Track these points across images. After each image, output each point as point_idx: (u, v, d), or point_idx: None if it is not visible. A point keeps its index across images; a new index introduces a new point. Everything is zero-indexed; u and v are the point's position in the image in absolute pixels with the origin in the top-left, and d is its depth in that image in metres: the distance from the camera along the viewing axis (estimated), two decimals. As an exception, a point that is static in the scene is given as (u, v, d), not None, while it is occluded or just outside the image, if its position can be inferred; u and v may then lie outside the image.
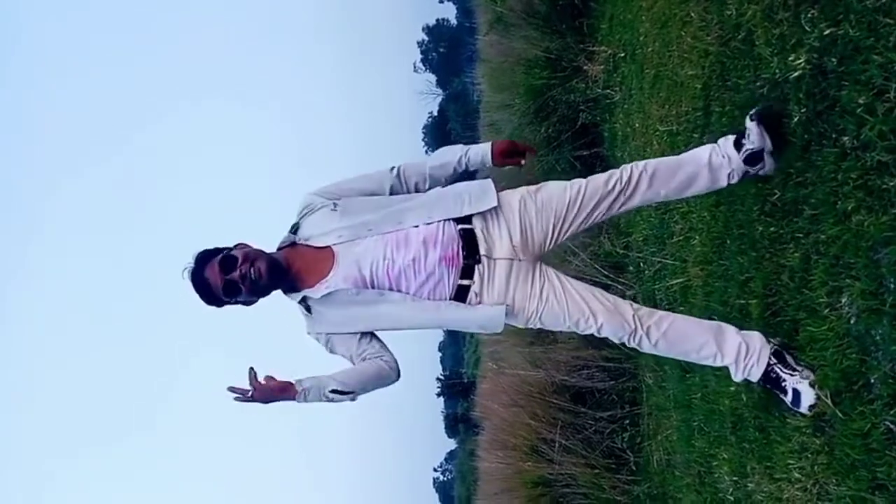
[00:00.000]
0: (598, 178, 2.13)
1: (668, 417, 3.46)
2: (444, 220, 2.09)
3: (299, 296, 2.17)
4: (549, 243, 2.16)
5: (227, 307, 2.19)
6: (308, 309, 2.20)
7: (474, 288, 2.09)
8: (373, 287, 2.11)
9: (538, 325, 2.17)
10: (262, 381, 2.06)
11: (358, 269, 2.10)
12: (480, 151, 2.23)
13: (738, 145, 2.08)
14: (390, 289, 2.10)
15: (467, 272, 2.08)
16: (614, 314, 2.08)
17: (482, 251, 2.09)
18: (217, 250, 2.15)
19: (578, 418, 4.34)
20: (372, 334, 2.26)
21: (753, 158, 2.06)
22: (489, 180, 2.18)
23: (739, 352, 2.03)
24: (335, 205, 2.17)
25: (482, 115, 8.67)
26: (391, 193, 2.23)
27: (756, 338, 2.05)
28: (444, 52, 53.89)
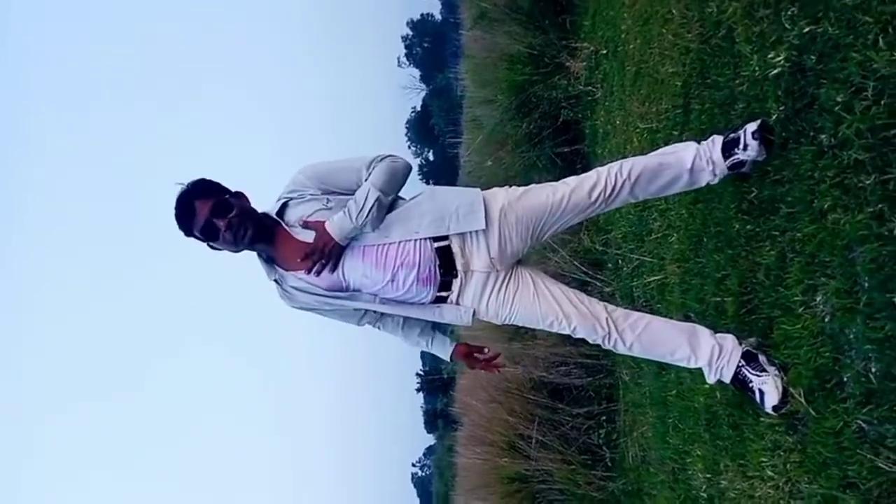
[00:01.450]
0: (582, 188, 2.10)
1: (644, 414, 3.47)
2: (424, 239, 2.07)
3: (274, 272, 2.16)
4: (527, 248, 2.17)
5: (192, 239, 2.13)
6: (277, 281, 2.19)
7: (451, 297, 2.13)
8: (347, 290, 2.14)
9: (514, 324, 2.18)
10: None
11: (338, 276, 2.10)
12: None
13: (726, 150, 2.05)
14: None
15: (445, 286, 2.11)
16: (587, 317, 2.09)
17: (459, 267, 2.09)
18: (219, 188, 2.11)
19: (556, 414, 4.34)
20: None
21: (739, 164, 2.05)
22: (479, 197, 2.12)
23: (712, 354, 2.04)
24: (328, 201, 2.12)
25: (465, 110, 8.65)
26: None
27: (729, 340, 2.06)
28: (428, 47, 53.78)
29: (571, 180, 2.14)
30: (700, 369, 2.10)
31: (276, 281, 2.18)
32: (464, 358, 2.37)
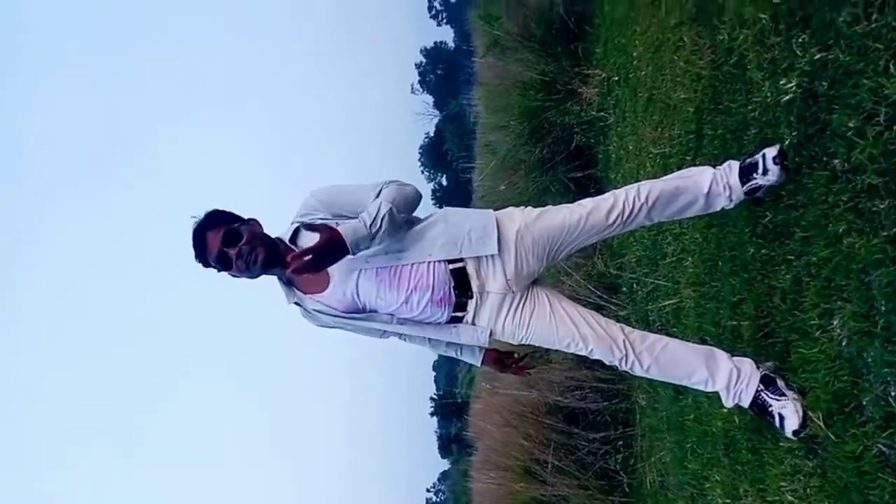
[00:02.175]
0: (599, 211, 2.11)
1: (662, 439, 3.45)
2: (438, 261, 2.08)
3: (293, 296, 2.18)
4: (542, 268, 2.18)
5: (211, 269, 2.14)
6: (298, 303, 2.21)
7: (467, 318, 2.14)
8: (364, 311, 2.15)
9: (531, 344, 2.18)
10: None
11: (353, 297, 2.12)
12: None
13: (744, 175, 2.07)
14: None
15: (460, 307, 2.12)
16: (605, 339, 2.09)
17: (474, 288, 2.10)
18: (230, 217, 2.12)
19: (571, 439, 4.31)
20: None
21: (756, 189, 2.06)
22: (493, 220, 2.12)
23: (731, 378, 2.03)
24: (337, 224, 2.09)
25: (478, 135, 8.72)
26: None
27: (747, 363, 2.06)
28: (442, 74, 54.32)
29: (588, 202, 2.14)
30: (717, 393, 2.10)
31: (296, 303, 2.21)
32: (494, 364, 2.36)
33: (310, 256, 1.87)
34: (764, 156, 2.03)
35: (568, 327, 2.11)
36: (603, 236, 2.18)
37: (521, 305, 2.14)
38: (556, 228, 2.11)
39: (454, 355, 2.35)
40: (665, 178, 2.18)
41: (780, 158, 1.99)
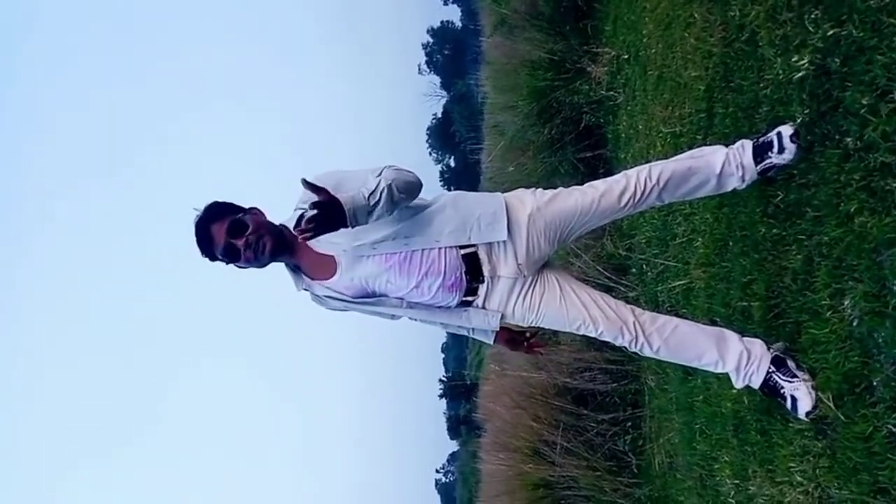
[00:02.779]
0: (612, 193, 2.09)
1: (670, 420, 3.45)
2: (449, 247, 2.07)
3: (302, 283, 2.17)
4: (553, 251, 2.17)
5: (218, 262, 2.12)
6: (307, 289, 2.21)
7: (477, 302, 2.14)
8: (373, 296, 2.15)
9: (541, 326, 2.19)
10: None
11: (361, 283, 2.12)
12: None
13: (757, 154, 2.04)
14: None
15: (471, 292, 2.11)
16: (615, 321, 2.08)
17: (486, 273, 2.09)
18: (231, 208, 2.08)
19: (580, 420, 4.32)
20: None
21: (770, 168, 2.03)
22: (502, 205, 2.10)
23: (741, 359, 2.02)
24: None
25: (486, 116, 8.67)
26: None
27: (757, 345, 2.04)
28: (449, 54, 53.96)
29: (599, 184, 2.13)
30: (727, 374, 2.09)
31: (305, 289, 2.20)
32: (506, 343, 2.35)
33: (312, 225, 1.81)
34: (779, 134, 1.99)
35: (578, 309, 2.10)
36: (614, 218, 2.17)
37: (531, 289, 2.13)
38: (568, 212, 2.09)
39: (466, 334, 2.34)
40: (676, 158, 2.15)
41: (795, 137, 1.96)
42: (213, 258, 2.09)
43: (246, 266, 2.10)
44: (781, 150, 1.98)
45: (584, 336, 2.22)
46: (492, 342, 2.35)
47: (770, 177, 2.08)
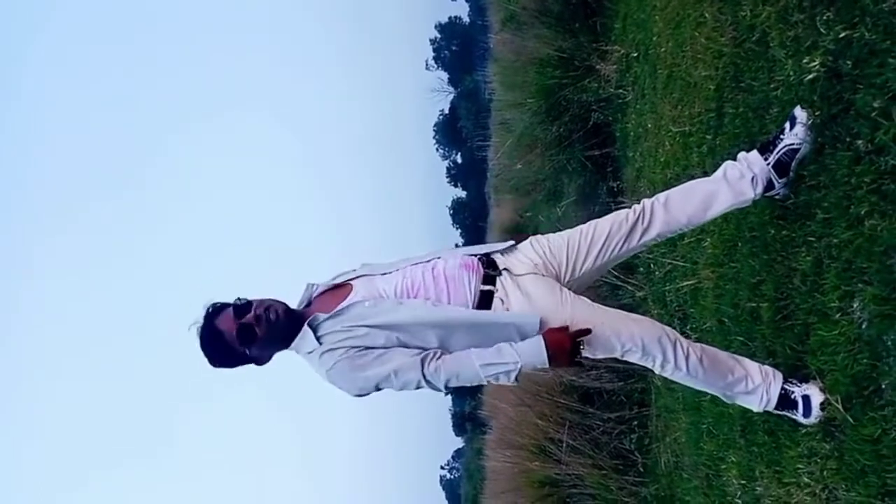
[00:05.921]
0: (614, 213, 2.11)
1: (677, 420, 3.45)
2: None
3: (310, 343, 1.99)
4: (567, 273, 2.08)
5: (238, 367, 2.04)
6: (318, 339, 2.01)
7: (499, 294, 1.99)
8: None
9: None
10: None
11: (377, 292, 2.03)
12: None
13: (765, 150, 2.02)
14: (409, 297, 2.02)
15: (488, 280, 2.01)
16: (655, 325, 2.01)
17: (501, 266, 2.04)
18: (224, 304, 2.04)
19: (586, 419, 4.33)
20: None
21: (782, 166, 1.99)
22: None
23: (763, 373, 2.00)
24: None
25: (494, 113, 8.66)
26: None
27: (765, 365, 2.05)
28: (457, 49, 53.89)
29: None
30: (753, 393, 2.00)
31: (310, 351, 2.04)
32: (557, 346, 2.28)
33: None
34: (792, 116, 1.98)
35: (613, 316, 2.04)
36: (625, 240, 2.08)
37: (557, 287, 2.05)
38: (568, 232, 2.12)
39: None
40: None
41: (807, 117, 1.93)
42: (231, 360, 2.01)
43: (265, 350, 2.01)
44: (792, 126, 1.96)
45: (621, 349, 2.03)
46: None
47: (790, 176, 2.02)
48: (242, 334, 1.96)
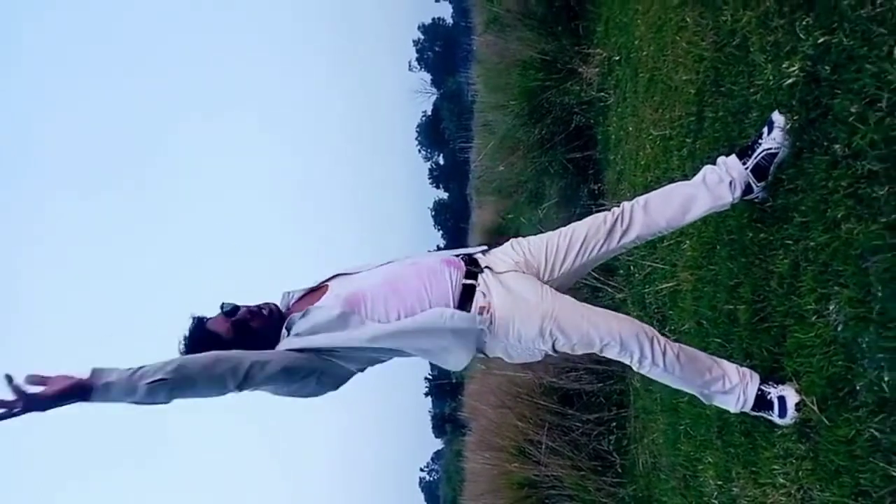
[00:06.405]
0: (593, 216, 2.13)
1: (655, 421, 3.47)
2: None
3: (285, 332, 2.01)
4: (546, 273, 2.09)
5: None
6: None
7: (480, 288, 1.99)
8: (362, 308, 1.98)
9: (556, 332, 1.97)
10: (31, 388, 1.57)
11: (354, 290, 2.01)
12: None
13: (743, 154, 2.05)
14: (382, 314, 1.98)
15: (470, 276, 2.03)
16: (634, 322, 2.04)
17: (483, 264, 2.08)
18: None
19: (565, 420, 4.34)
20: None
21: (761, 170, 2.01)
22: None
23: (740, 373, 2.02)
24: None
25: (476, 115, 8.68)
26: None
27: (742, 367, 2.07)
28: (440, 51, 53.94)
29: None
30: (730, 393, 2.02)
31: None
32: None
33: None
34: (770, 120, 2.00)
35: (594, 310, 2.07)
36: (605, 241, 2.10)
37: (538, 282, 2.09)
38: (546, 234, 2.14)
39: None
40: None
41: (783, 120, 1.96)
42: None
43: (261, 348, 1.93)
44: (770, 130, 1.99)
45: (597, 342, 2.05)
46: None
47: (767, 180, 2.04)
48: (238, 330, 1.96)
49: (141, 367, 1.69)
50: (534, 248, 2.12)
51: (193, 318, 2.00)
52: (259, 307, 2.02)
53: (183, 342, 1.96)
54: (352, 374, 2.02)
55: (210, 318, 2.01)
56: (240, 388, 1.81)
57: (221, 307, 2.02)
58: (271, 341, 1.98)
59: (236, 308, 2.00)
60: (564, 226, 2.17)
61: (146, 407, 1.72)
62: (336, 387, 2.02)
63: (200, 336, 1.96)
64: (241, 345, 1.89)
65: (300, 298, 2.12)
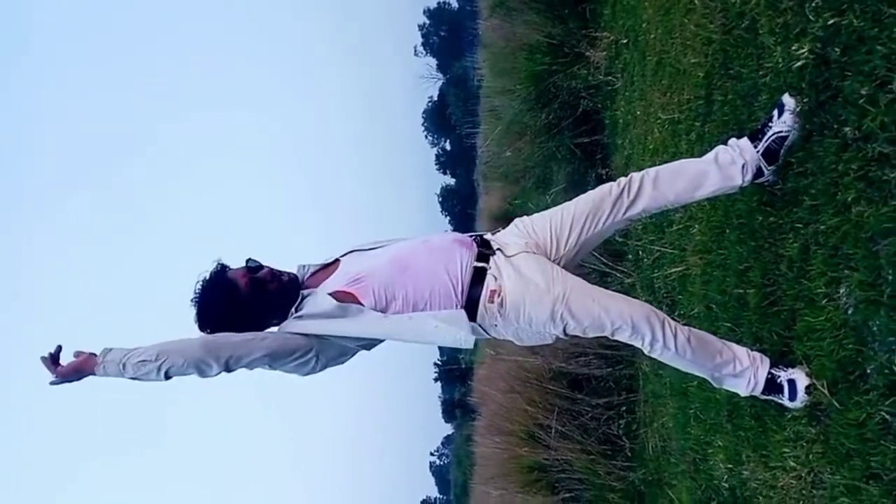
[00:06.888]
0: (598, 188, 2.12)
1: (665, 405, 3.48)
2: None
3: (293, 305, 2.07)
4: (552, 250, 2.09)
5: (222, 331, 2.02)
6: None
7: (492, 272, 2.00)
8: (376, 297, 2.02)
9: (566, 316, 1.97)
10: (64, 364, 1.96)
11: (366, 265, 2.07)
12: None
13: (755, 137, 2.03)
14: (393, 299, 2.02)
15: (482, 258, 2.03)
16: (644, 305, 2.03)
17: (495, 246, 2.09)
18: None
19: (575, 405, 4.36)
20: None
21: (772, 153, 2.00)
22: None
23: (751, 356, 2.01)
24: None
25: (482, 100, 8.62)
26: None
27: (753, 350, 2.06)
28: (445, 35, 53.59)
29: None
30: (740, 376, 2.02)
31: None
32: None
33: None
34: (780, 103, 1.98)
35: (605, 292, 2.09)
36: (610, 213, 2.08)
37: (549, 263, 2.10)
38: (552, 209, 2.14)
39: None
40: None
41: (795, 103, 1.95)
42: (225, 315, 2.03)
43: (270, 311, 2.07)
44: (781, 113, 1.97)
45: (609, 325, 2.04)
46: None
47: (778, 163, 2.03)
48: (255, 286, 2.03)
49: (135, 349, 1.95)
50: (538, 227, 2.12)
51: (217, 264, 2.08)
52: (280, 272, 2.09)
53: (200, 282, 2.04)
54: (355, 351, 2.11)
55: (233, 269, 2.08)
56: (227, 370, 1.97)
57: (247, 262, 2.10)
58: (280, 308, 2.06)
59: (260, 266, 2.08)
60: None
61: (151, 382, 1.97)
62: (341, 362, 2.11)
63: (218, 282, 2.04)
64: (254, 301, 2.03)
65: (314, 273, 2.17)
